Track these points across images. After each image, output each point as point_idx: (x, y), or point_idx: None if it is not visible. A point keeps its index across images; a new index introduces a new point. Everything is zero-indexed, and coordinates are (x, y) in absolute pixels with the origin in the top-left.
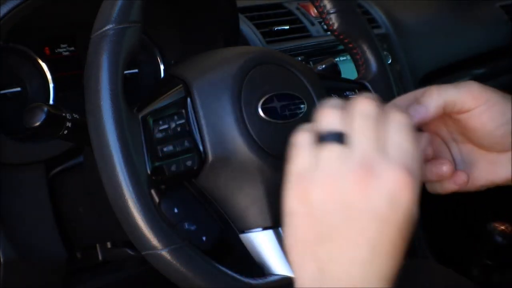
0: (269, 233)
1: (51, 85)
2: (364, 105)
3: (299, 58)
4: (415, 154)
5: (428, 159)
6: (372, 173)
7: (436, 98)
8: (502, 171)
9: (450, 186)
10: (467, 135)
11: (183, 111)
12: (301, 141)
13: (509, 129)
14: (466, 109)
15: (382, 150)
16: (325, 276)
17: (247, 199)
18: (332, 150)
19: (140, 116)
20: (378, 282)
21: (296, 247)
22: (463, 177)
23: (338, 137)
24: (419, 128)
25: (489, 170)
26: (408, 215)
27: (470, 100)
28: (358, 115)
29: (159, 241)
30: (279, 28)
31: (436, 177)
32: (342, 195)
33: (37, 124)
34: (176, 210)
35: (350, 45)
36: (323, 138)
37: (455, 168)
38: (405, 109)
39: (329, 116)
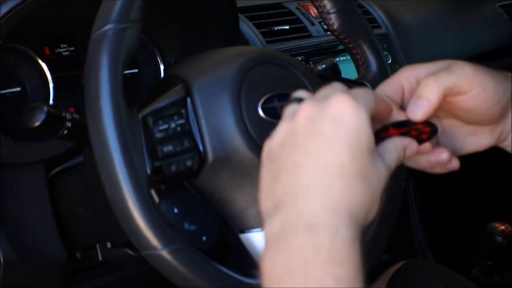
0: None
1: (51, 85)
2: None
3: (299, 58)
4: (362, 92)
5: (426, 151)
6: (317, 105)
7: (435, 90)
8: (484, 141)
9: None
10: (456, 113)
11: (183, 111)
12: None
13: (498, 109)
14: (463, 93)
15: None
16: (277, 211)
17: (247, 199)
18: (289, 106)
19: (140, 116)
20: (328, 214)
21: (262, 193)
22: (445, 155)
23: (297, 100)
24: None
25: (472, 141)
26: (353, 131)
27: (466, 84)
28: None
29: (159, 241)
30: (279, 28)
31: (435, 165)
32: (292, 130)
33: (37, 124)
34: (176, 210)
35: (350, 45)
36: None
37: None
38: (399, 103)
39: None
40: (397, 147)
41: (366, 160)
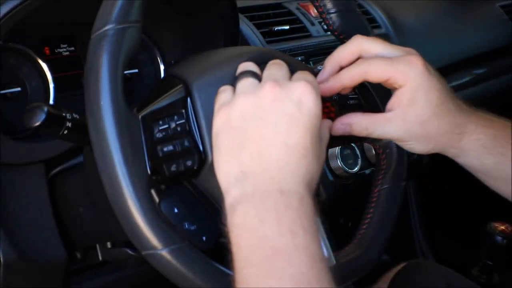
0: None
1: (51, 85)
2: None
3: (299, 58)
4: (313, 79)
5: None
6: (281, 86)
7: (348, 76)
8: (393, 129)
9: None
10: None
11: (183, 111)
12: (223, 88)
13: (419, 114)
14: (398, 86)
15: (288, 78)
16: (247, 177)
17: None
18: (246, 79)
19: (140, 116)
20: (297, 183)
21: (222, 158)
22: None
23: (252, 73)
24: None
25: (410, 147)
26: (313, 117)
27: (401, 79)
28: (271, 65)
29: (159, 241)
30: (279, 28)
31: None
32: (258, 105)
33: (37, 124)
34: (176, 210)
35: None
36: (239, 76)
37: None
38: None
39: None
40: (327, 129)
41: (319, 142)
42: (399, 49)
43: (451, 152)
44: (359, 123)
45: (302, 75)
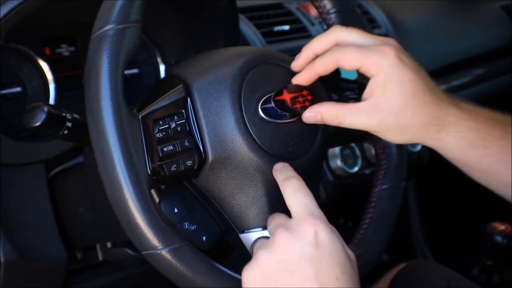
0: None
1: (51, 85)
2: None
3: None
4: (311, 202)
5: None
6: (290, 230)
7: (322, 63)
8: (364, 119)
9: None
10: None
11: (183, 111)
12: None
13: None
14: (370, 75)
15: (288, 219)
16: None
17: (247, 199)
18: (258, 242)
19: (140, 116)
20: None
21: None
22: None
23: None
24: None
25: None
26: (332, 247)
27: (372, 68)
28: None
29: (159, 241)
30: (279, 28)
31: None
32: (276, 258)
33: (37, 124)
34: (176, 210)
35: None
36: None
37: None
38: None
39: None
40: None
41: (349, 263)
42: (376, 38)
43: (430, 144)
44: (329, 111)
45: (299, 205)
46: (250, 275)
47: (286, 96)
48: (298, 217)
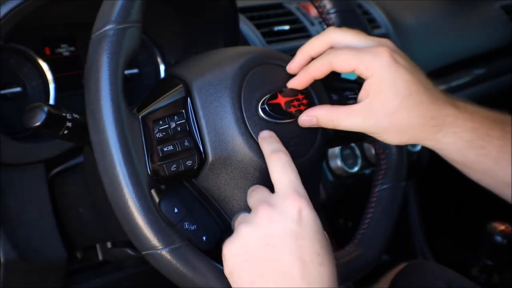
0: None
1: (51, 85)
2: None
3: None
4: (297, 179)
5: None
6: (273, 206)
7: (315, 68)
8: (359, 121)
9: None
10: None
11: (183, 111)
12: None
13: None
14: (365, 77)
15: (271, 193)
16: None
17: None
18: (239, 217)
19: (140, 116)
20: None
21: None
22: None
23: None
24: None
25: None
26: (314, 224)
27: (366, 71)
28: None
29: (159, 241)
30: (279, 28)
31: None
32: (258, 232)
33: (37, 124)
34: (176, 210)
35: None
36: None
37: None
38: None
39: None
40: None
41: (326, 242)
42: (371, 39)
43: (428, 145)
44: (325, 115)
45: (284, 180)
46: (231, 250)
47: (281, 100)
48: (282, 193)
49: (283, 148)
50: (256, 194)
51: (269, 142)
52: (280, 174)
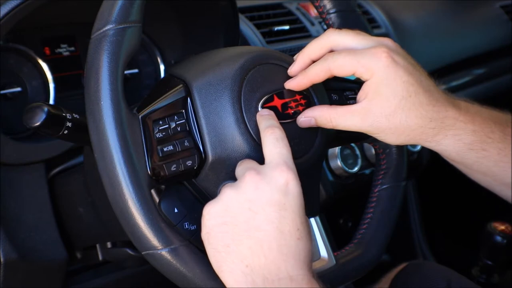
0: None
1: (51, 85)
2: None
3: None
4: (288, 153)
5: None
6: (261, 174)
7: (314, 71)
8: (358, 122)
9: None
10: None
11: (183, 111)
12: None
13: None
14: (364, 79)
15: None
16: (254, 270)
17: None
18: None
19: (140, 116)
20: (301, 267)
21: (221, 256)
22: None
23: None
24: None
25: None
26: (298, 199)
27: (364, 73)
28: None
29: (159, 241)
30: (279, 28)
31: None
32: (242, 197)
33: (37, 124)
34: (176, 210)
35: None
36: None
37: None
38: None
39: None
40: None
41: (306, 220)
42: (371, 39)
43: (427, 146)
44: (323, 116)
45: (274, 152)
46: (212, 210)
47: (277, 103)
48: (271, 163)
49: (279, 125)
50: (245, 164)
51: (266, 118)
52: (271, 146)
